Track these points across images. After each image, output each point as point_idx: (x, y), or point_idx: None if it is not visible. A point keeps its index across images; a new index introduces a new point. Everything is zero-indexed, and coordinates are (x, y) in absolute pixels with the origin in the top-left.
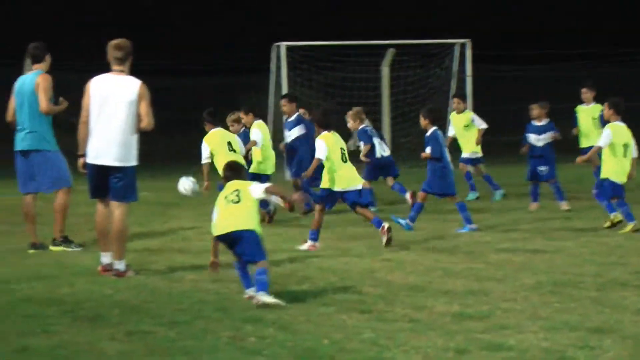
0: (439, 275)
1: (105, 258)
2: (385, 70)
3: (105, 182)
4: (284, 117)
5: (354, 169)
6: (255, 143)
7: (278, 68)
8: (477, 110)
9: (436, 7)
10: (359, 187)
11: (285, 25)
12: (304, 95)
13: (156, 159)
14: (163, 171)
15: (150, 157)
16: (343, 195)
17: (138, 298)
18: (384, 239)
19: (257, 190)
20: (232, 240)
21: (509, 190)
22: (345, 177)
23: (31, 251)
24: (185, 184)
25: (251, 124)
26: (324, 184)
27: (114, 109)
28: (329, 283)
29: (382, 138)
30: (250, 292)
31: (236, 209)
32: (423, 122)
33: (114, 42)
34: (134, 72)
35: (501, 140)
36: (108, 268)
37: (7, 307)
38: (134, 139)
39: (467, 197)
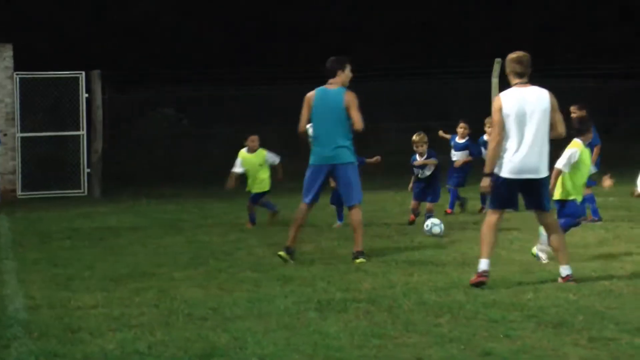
0: None
1: (565, 270)
2: None
3: (519, 195)
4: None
5: None
6: None
7: None
8: None
9: None
10: None
11: None
12: None
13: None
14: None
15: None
16: None
17: (602, 304)
18: None
19: None
20: None
21: None
22: None
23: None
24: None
25: None
26: None
27: (535, 121)
28: None
29: None
30: None
31: None
32: None
33: (514, 55)
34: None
35: None
36: (571, 279)
37: (472, 311)
38: None
39: None
